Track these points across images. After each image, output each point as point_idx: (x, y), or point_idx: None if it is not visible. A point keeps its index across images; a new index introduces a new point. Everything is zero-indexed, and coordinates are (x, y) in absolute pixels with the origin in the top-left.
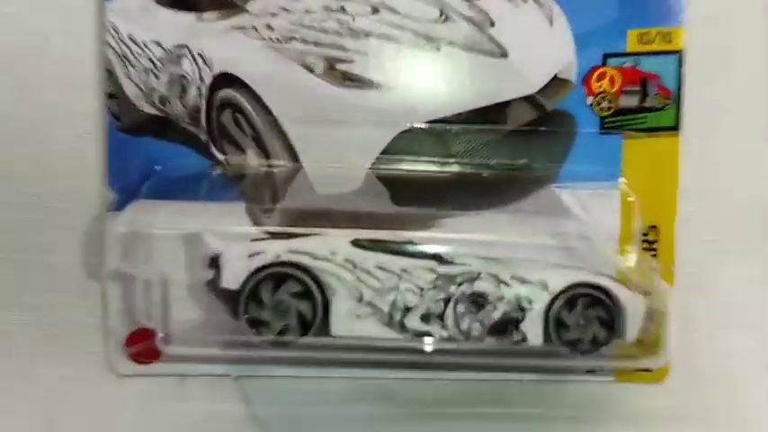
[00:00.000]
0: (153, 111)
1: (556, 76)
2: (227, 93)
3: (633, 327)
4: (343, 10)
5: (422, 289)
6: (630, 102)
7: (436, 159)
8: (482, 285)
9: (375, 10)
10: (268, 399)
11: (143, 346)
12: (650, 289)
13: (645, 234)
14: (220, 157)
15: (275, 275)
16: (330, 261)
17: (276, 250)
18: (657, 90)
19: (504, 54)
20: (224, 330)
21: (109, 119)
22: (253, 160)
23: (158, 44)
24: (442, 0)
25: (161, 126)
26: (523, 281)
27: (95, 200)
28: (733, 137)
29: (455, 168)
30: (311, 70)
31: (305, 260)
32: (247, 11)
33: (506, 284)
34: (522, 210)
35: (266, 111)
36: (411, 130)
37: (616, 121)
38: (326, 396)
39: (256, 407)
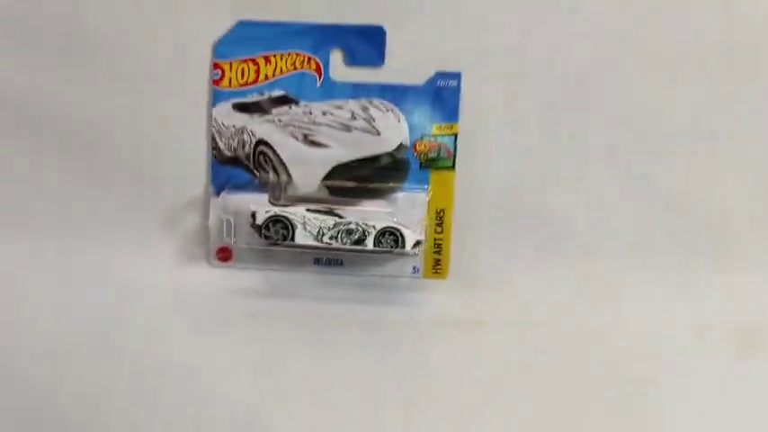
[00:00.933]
0: (230, 154)
1: (401, 143)
2: (262, 148)
3: (408, 245)
4: (311, 113)
5: (329, 227)
6: (433, 155)
7: (349, 178)
8: (351, 226)
9: (324, 113)
10: (271, 279)
11: (224, 254)
12: (421, 231)
13: (439, 212)
14: (258, 175)
15: (275, 219)
16: (295, 215)
17: (275, 210)
18: (446, 151)
19: (379, 133)
20: (255, 242)
21: (212, 157)
22: (272, 177)
23: (233, 126)
24: (351, 109)
25: (234, 161)
26: (367, 225)
27: (205, 190)
28: (481, 172)
29: (353, 183)
30: (297, 139)
31: (286, 215)
32: (271, 113)
33: (360, 226)
34: (382, 201)
35: (278, 156)
36: (338, 165)
37: (427, 164)
38: (294, 277)
39: (269, 281)
